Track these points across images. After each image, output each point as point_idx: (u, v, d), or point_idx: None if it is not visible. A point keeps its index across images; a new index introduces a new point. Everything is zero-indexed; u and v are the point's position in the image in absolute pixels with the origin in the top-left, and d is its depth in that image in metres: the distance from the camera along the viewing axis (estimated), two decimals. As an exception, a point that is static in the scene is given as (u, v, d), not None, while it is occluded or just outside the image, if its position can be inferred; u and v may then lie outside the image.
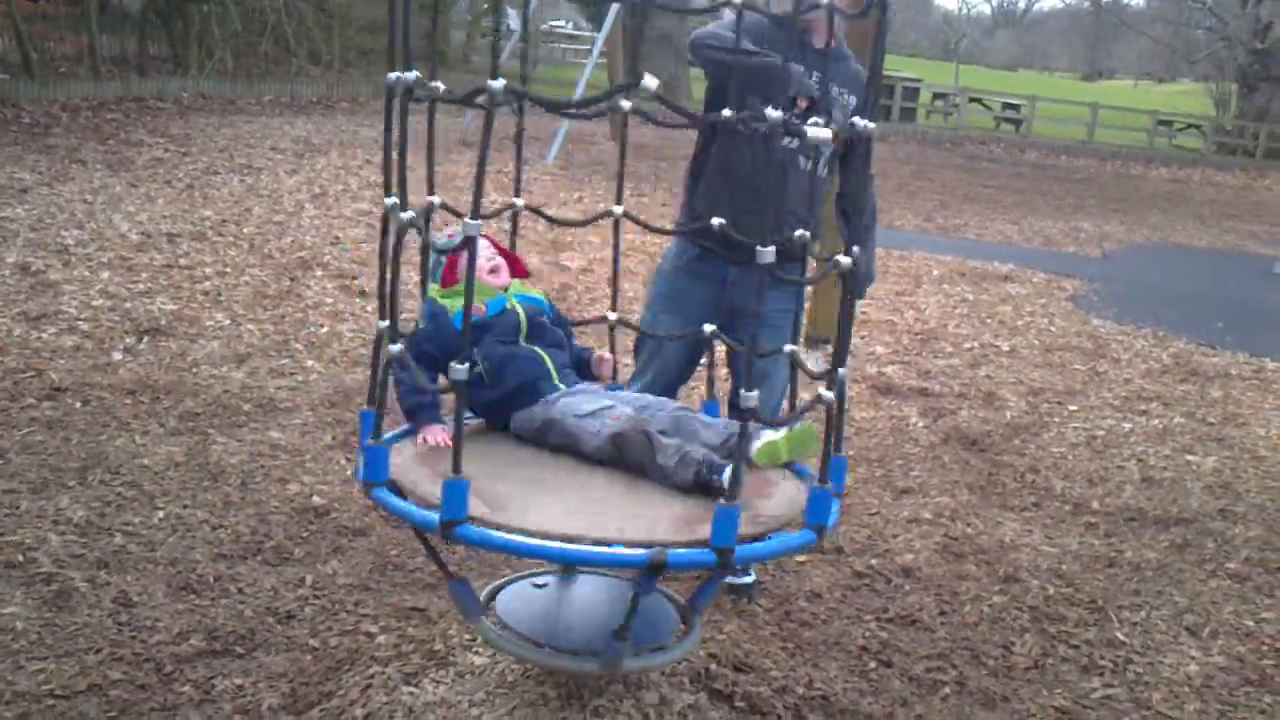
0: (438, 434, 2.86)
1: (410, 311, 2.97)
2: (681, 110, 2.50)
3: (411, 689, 3.02)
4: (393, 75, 2.34)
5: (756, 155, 3.38)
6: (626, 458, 2.72)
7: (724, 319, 3.41)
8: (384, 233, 2.49)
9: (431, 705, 2.93)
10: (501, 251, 3.14)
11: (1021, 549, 4.49)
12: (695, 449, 2.67)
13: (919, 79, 30.77)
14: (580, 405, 2.86)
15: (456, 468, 2.34)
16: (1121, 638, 3.85)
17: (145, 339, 5.92)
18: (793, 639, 3.65)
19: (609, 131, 17.19)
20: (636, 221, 3.33)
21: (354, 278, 7.58)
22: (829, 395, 2.48)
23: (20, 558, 3.59)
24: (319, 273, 7.66)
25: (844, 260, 2.41)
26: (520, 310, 3.02)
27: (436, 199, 2.71)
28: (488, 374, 2.91)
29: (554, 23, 22.16)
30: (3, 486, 4.09)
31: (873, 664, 3.55)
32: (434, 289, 3.02)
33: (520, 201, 3.20)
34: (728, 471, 2.39)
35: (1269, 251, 13.88)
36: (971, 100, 30.92)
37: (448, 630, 3.35)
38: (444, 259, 2.98)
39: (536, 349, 2.98)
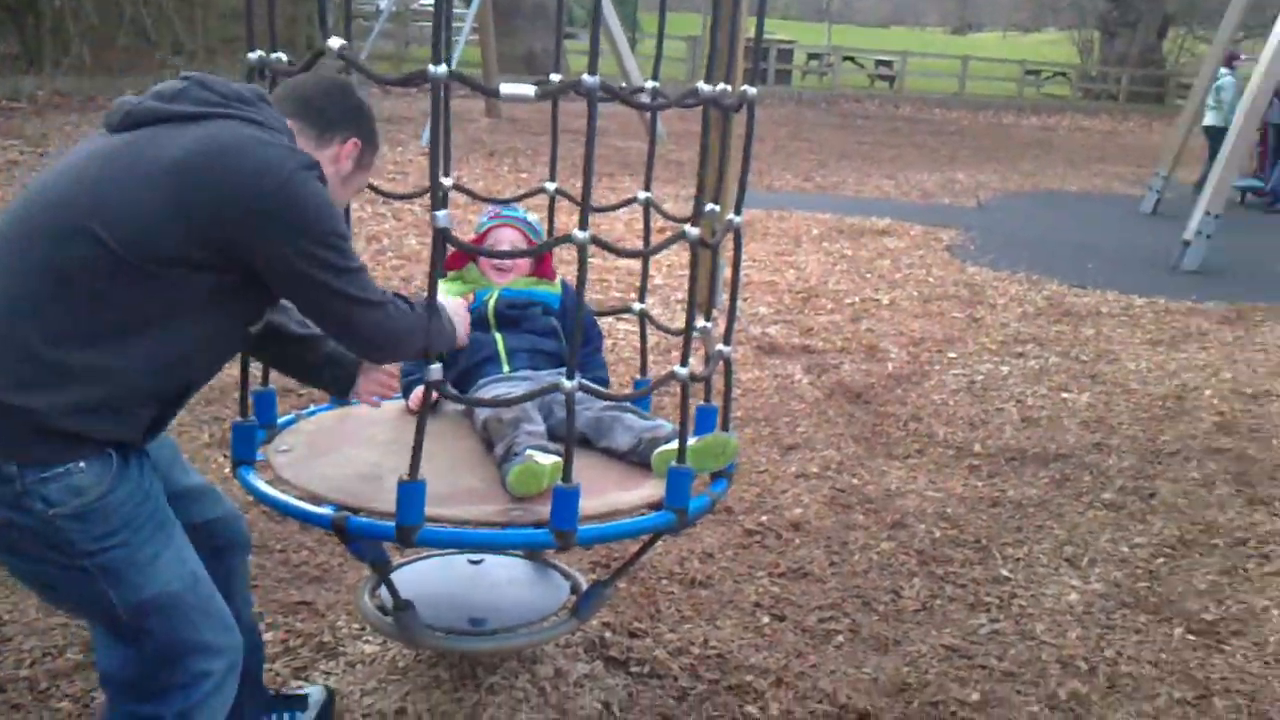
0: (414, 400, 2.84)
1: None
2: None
3: (301, 683, 2.97)
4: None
5: None
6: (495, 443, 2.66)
7: None
8: None
9: (321, 698, 2.88)
10: (532, 247, 3.09)
11: (907, 495, 4.57)
12: (520, 441, 2.53)
13: (793, 40, 31.04)
14: (491, 391, 2.83)
15: (244, 412, 2.63)
16: (1006, 574, 3.96)
17: None
18: (687, 601, 3.67)
19: (484, 108, 17.02)
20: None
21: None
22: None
23: (-120, 584, 3.44)
24: (190, 269, 7.44)
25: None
26: (493, 301, 3.01)
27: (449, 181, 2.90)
28: (445, 354, 2.92)
29: (422, 1, 21.72)
30: None
31: (766, 619, 3.59)
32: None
33: (551, 186, 3.22)
34: (510, 469, 2.43)
35: (1135, 191, 14.31)
36: (845, 59, 31.31)
37: (336, 622, 3.31)
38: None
39: (497, 335, 2.96)
